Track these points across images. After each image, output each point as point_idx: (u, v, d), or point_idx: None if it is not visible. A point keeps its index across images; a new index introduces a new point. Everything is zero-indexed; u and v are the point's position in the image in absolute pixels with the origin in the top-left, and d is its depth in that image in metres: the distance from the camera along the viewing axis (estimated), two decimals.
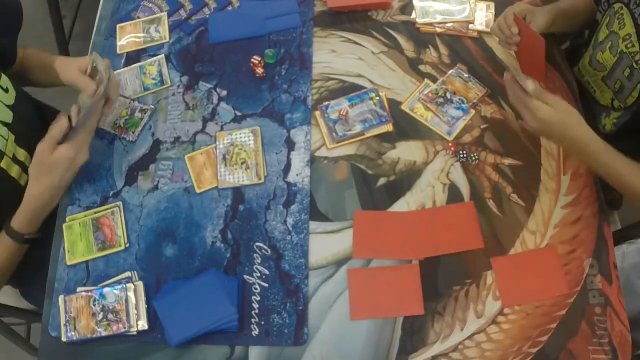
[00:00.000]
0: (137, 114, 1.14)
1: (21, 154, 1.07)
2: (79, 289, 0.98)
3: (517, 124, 1.10)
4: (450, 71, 1.16)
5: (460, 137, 1.09)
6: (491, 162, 1.07)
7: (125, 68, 1.20)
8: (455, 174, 1.06)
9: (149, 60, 1.20)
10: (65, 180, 0.99)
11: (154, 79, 1.18)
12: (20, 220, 0.98)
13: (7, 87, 1.06)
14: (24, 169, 1.08)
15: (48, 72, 1.13)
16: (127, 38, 1.24)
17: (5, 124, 1.04)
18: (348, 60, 1.19)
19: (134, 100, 1.16)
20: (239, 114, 1.13)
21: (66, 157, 0.96)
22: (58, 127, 0.96)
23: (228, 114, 1.13)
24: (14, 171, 1.05)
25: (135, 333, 0.94)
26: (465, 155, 1.07)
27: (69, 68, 1.08)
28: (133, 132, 1.12)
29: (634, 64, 1.02)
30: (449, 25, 1.22)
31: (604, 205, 1.03)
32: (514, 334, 0.93)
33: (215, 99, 1.15)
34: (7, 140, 1.03)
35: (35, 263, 1.15)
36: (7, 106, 1.05)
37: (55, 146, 0.96)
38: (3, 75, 1.06)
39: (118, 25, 1.26)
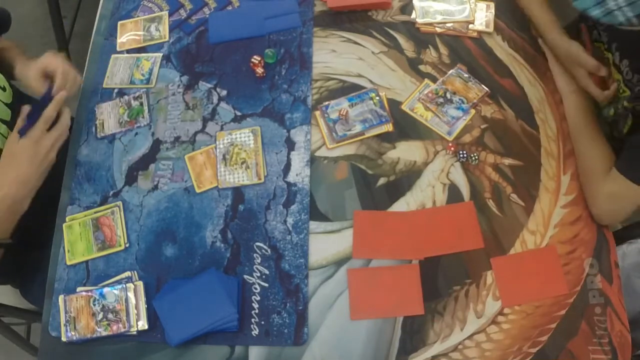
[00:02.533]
0: (135, 103, 1.14)
1: None
2: (79, 289, 0.98)
3: (517, 124, 1.10)
4: (450, 71, 1.16)
5: (460, 137, 1.09)
6: (491, 162, 1.07)
7: (125, 54, 1.22)
8: (455, 174, 1.06)
9: (147, 55, 1.21)
10: (28, 176, 0.95)
11: (143, 74, 1.18)
12: None
13: (4, 86, 1.06)
14: None
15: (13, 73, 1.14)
16: (128, 35, 1.24)
17: (5, 122, 1.04)
18: (348, 60, 1.19)
19: (119, 96, 1.16)
20: (239, 113, 1.13)
21: (25, 146, 0.94)
22: (20, 119, 0.97)
23: (228, 114, 1.13)
24: None
25: (135, 333, 0.94)
26: (465, 155, 1.07)
27: (28, 75, 1.07)
28: (143, 117, 1.12)
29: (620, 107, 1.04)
30: (449, 25, 1.22)
31: None
32: (514, 334, 0.93)
33: (215, 98, 1.15)
34: (6, 138, 1.03)
35: (35, 263, 1.15)
36: (6, 104, 1.05)
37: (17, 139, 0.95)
38: (0, 74, 1.06)
39: (119, 22, 1.26)
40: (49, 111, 0.97)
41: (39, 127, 0.96)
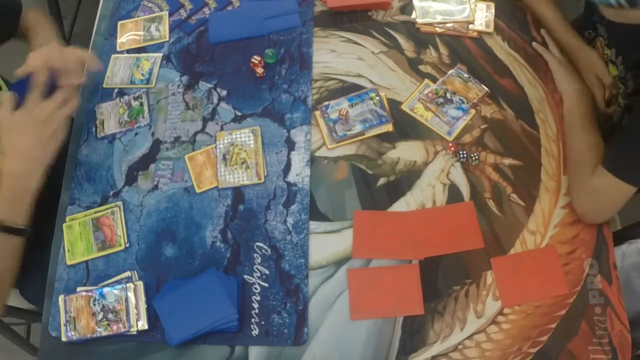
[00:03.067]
0: (135, 103, 1.14)
1: None
2: (79, 288, 0.98)
3: (517, 124, 1.10)
4: (450, 71, 1.16)
5: (460, 137, 1.09)
6: (491, 162, 1.07)
7: (125, 54, 1.22)
8: (455, 174, 1.06)
9: (147, 55, 1.21)
10: (28, 148, 0.90)
11: (143, 75, 1.18)
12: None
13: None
14: None
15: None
16: (128, 35, 1.24)
17: None
18: (348, 60, 1.19)
19: (119, 96, 1.16)
20: (239, 113, 1.13)
21: (19, 117, 0.90)
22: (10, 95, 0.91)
23: (228, 114, 1.13)
24: None
25: (135, 333, 0.94)
26: (465, 155, 1.07)
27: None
28: (143, 117, 1.12)
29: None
30: (449, 25, 1.22)
31: None
32: (514, 334, 0.93)
33: (215, 98, 1.15)
34: None
35: (35, 263, 1.15)
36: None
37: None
38: None
39: (119, 22, 1.26)
40: (38, 77, 0.90)
41: (31, 96, 0.90)
